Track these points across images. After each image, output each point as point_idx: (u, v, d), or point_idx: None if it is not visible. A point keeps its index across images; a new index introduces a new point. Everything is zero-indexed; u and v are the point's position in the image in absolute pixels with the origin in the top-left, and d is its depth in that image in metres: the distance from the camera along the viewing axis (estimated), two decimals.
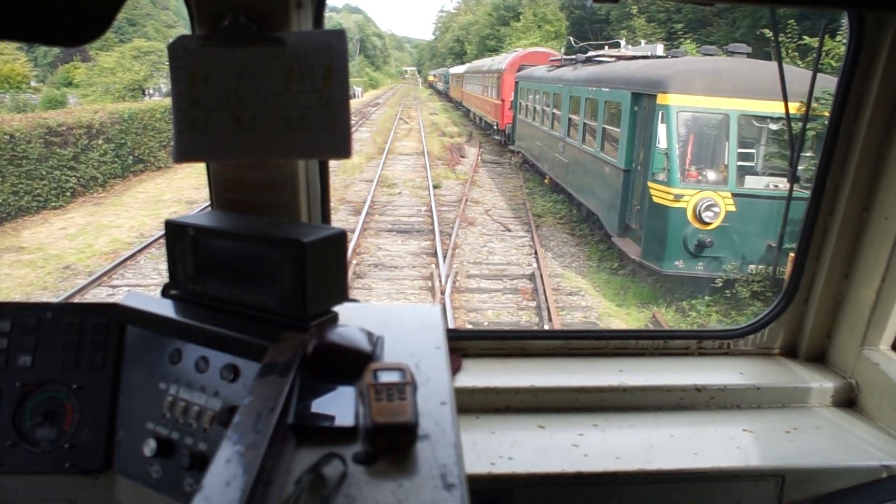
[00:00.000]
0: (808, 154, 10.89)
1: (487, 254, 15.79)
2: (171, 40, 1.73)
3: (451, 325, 11.05)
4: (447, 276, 13.53)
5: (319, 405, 1.25)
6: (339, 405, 1.24)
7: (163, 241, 16.29)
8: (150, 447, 1.47)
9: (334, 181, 23.10)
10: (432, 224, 17.66)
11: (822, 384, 2.54)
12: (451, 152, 31.73)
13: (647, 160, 13.55)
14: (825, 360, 2.70)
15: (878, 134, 2.36)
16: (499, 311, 12.41)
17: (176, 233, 1.58)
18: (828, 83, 2.53)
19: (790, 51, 18.20)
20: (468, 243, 16.57)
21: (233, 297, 1.52)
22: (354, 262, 14.55)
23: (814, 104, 9.72)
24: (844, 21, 2.37)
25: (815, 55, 12.35)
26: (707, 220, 12.69)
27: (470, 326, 11.29)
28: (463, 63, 69.79)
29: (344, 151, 1.74)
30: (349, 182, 23.57)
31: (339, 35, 1.72)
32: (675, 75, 13.25)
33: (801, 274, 2.64)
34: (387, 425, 1.14)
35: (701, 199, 12.68)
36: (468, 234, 17.44)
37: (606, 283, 14.25)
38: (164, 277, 1.68)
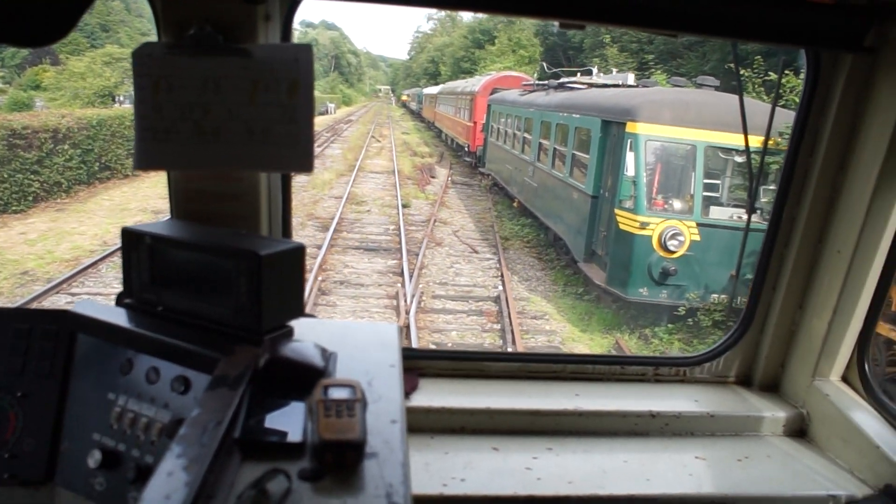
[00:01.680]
0: (771, 187, 11.10)
1: (454, 275, 15.80)
2: (135, 47, 1.72)
3: (414, 345, 11.02)
4: (413, 296, 13.50)
5: (268, 420, 1.24)
6: (289, 420, 1.23)
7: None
8: (94, 459, 1.44)
9: (303, 196, 23.01)
10: (400, 243, 17.64)
11: (774, 413, 2.57)
12: (421, 172, 31.79)
13: (615, 187, 13.70)
14: (778, 389, 2.74)
15: (833, 168, 2.42)
16: (463, 332, 12.40)
17: (133, 241, 1.56)
18: (791, 119, 2.59)
19: (756, 86, 18.62)
20: (435, 263, 16.57)
21: (187, 307, 1.50)
22: (320, 278, 14.46)
23: (777, 138, 9.94)
24: (803, 60, 2.43)
25: (775, 90, 12.62)
26: (672, 248, 12.84)
27: (433, 347, 11.26)
28: (437, 84, 70.18)
29: (306, 166, 1.74)
30: (318, 198, 23.48)
31: (306, 49, 1.72)
32: (645, 104, 13.44)
33: (756, 303, 2.68)
34: (334, 442, 1.13)
35: (666, 228, 12.84)
36: (435, 254, 17.44)
37: (571, 308, 14.33)
38: None
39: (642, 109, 13.26)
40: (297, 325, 1.51)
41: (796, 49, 2.31)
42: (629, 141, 13.15)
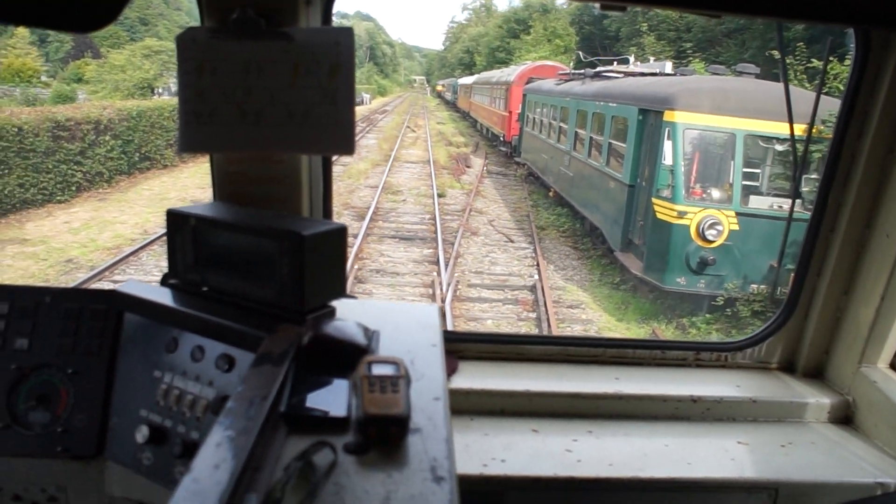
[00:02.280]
0: (812, 176, 10.90)
1: (489, 264, 15.79)
2: (179, 32, 1.74)
3: (450, 327, 11.07)
4: (448, 285, 13.53)
5: (313, 395, 1.25)
6: (332, 396, 1.25)
7: (166, 238, 16.23)
8: (142, 434, 1.47)
9: (339, 186, 23.15)
10: (435, 232, 17.67)
11: (818, 400, 2.53)
12: (456, 162, 31.78)
13: (652, 176, 13.56)
14: (822, 376, 2.69)
15: (882, 151, 2.36)
16: (499, 320, 12.40)
17: (177, 222, 1.58)
18: (834, 106, 2.54)
19: (798, 73, 18.25)
20: (470, 253, 16.57)
21: (231, 287, 1.52)
22: (356, 266, 14.56)
23: (819, 126, 9.74)
24: (852, 44, 2.37)
25: (821, 75, 12.38)
26: (710, 237, 12.68)
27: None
28: (472, 74, 70.01)
29: (347, 147, 1.74)
30: (354, 187, 23.61)
31: (347, 32, 1.73)
32: (683, 93, 13.27)
33: (800, 289, 2.64)
34: (378, 416, 1.14)
35: (705, 217, 12.68)
36: (471, 243, 17.44)
37: (607, 298, 14.24)
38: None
39: (680, 98, 13.09)
40: (339, 305, 1.52)
41: (844, 29, 2.26)
42: (667, 129, 13.00)
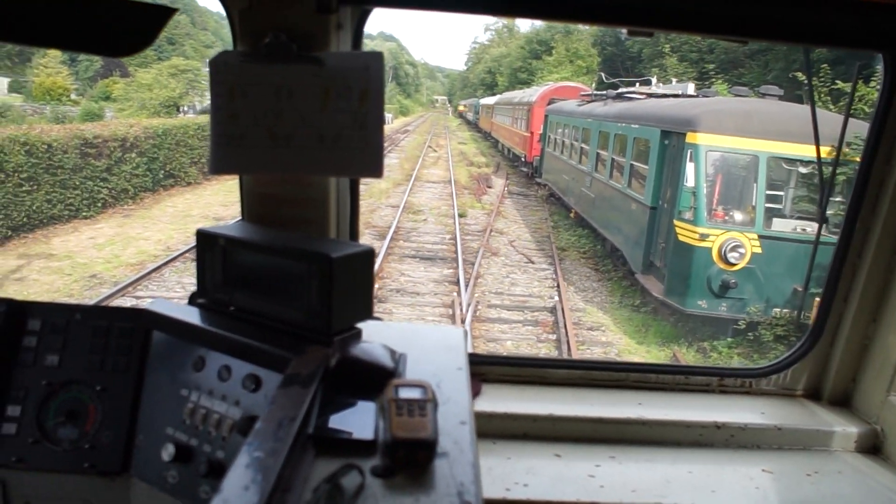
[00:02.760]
0: (837, 199, 10.81)
1: (509, 285, 15.76)
2: (212, 56, 1.78)
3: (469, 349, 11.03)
4: (468, 305, 13.51)
5: (340, 418, 1.26)
6: (360, 418, 1.25)
7: (188, 255, 16.51)
8: (168, 452, 1.48)
9: (361, 205, 23.18)
10: (456, 252, 17.68)
11: (845, 429, 2.49)
12: (477, 182, 31.84)
13: (674, 198, 13.50)
14: (850, 404, 2.66)
15: None
16: (518, 341, 12.35)
17: (206, 242, 1.60)
18: (860, 128, 2.52)
19: (823, 95, 18.13)
20: (491, 273, 16.56)
21: (259, 308, 1.53)
22: (377, 286, 14.58)
23: (845, 149, 9.68)
24: (879, 66, 2.36)
25: (847, 99, 12.30)
26: (732, 260, 12.59)
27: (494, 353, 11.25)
28: (493, 94, 70.29)
29: (375, 170, 1.76)
30: (375, 206, 23.71)
31: (377, 57, 1.75)
32: (706, 114, 13.23)
33: (827, 315, 2.61)
34: (406, 440, 1.14)
35: (727, 240, 12.59)
36: (491, 264, 17.43)
37: (628, 320, 14.15)
38: (188, 291, 1.70)
39: (703, 119, 13.05)
40: (365, 326, 1.53)
41: (872, 54, 2.25)
42: (689, 151, 12.96)
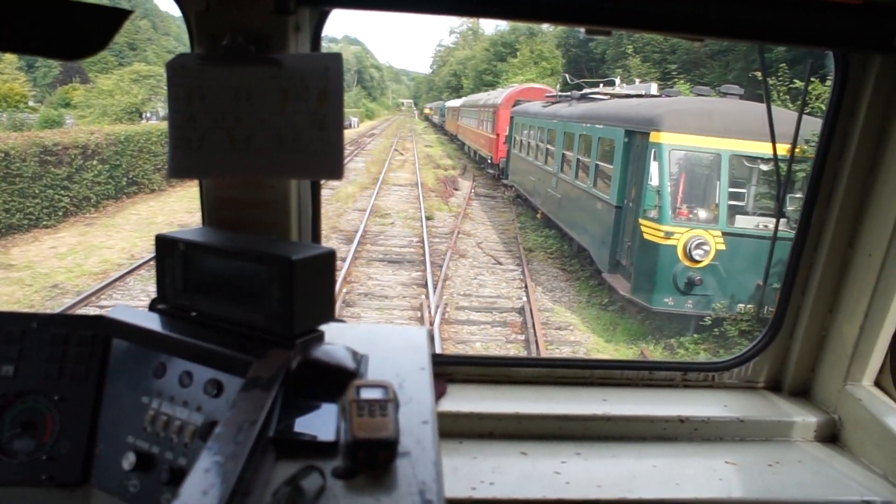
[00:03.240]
0: (797, 195, 11.01)
1: (478, 286, 15.80)
2: (170, 58, 1.76)
3: (438, 350, 11.05)
4: (437, 307, 13.52)
5: (301, 420, 1.25)
6: (321, 421, 1.25)
7: (153, 263, 16.17)
8: (129, 461, 1.46)
9: (327, 209, 23.14)
10: (424, 255, 17.69)
11: (805, 419, 2.54)
12: (444, 185, 31.88)
13: (639, 197, 13.65)
14: (809, 394, 2.71)
15: (862, 171, 2.40)
16: (487, 343, 12.39)
17: (166, 247, 1.59)
18: (818, 126, 2.57)
19: (781, 94, 18.46)
20: (459, 275, 16.59)
21: (220, 312, 1.52)
22: (345, 290, 14.53)
23: (804, 146, 9.87)
24: (831, 62, 2.42)
25: (802, 95, 12.55)
26: (697, 258, 12.75)
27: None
28: (459, 97, 70.45)
29: (335, 172, 1.76)
30: (342, 211, 23.62)
31: (336, 58, 1.74)
32: (669, 114, 13.39)
33: (786, 308, 2.66)
34: (367, 441, 1.14)
35: (691, 237, 12.75)
36: (459, 266, 17.46)
37: (596, 319, 14.26)
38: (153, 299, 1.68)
39: (666, 119, 13.21)
40: (328, 329, 1.53)
41: (824, 52, 2.30)
42: (653, 151, 13.11)
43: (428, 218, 22.92)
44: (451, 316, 13.63)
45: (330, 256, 1.51)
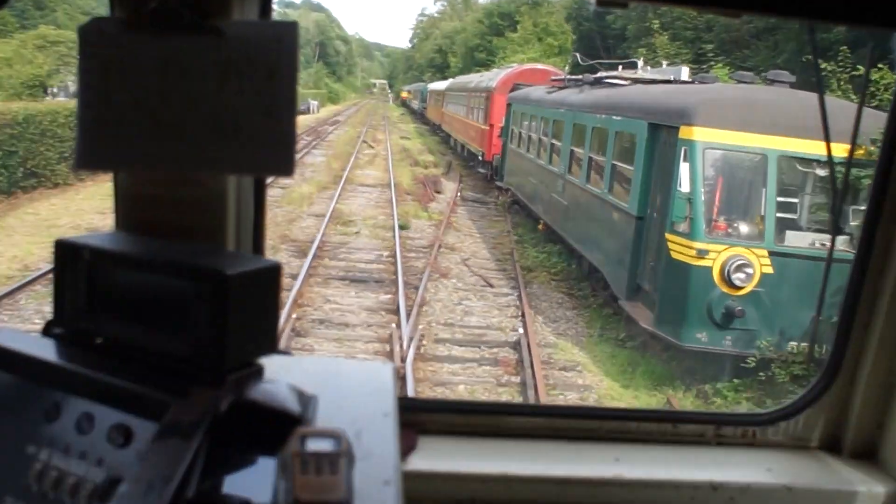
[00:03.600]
0: (862, 207, 11.10)
1: (462, 314, 15.84)
2: (83, 22, 1.75)
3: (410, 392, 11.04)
4: (410, 339, 13.51)
5: (231, 478, 1.25)
6: (256, 478, 1.24)
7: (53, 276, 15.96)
8: None
9: (275, 213, 23.12)
10: (396, 274, 17.70)
11: (870, 488, 2.54)
12: (424, 186, 31.96)
13: (666, 207, 13.72)
14: (875, 457, 2.70)
15: None
16: (473, 386, 12.39)
17: (68, 256, 1.57)
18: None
19: (842, 82, 18.67)
20: (439, 299, 16.61)
21: (132, 339, 1.51)
22: (294, 315, 14.50)
23: (870, 147, 9.97)
24: None
25: (863, 86, 12.67)
26: (738, 283, 12.81)
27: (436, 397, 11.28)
28: (445, 78, 70.84)
29: (285, 167, 1.75)
30: (295, 216, 23.61)
31: (291, 28, 1.74)
32: (703, 104, 13.51)
33: (845, 348, 2.64)
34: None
35: (731, 257, 12.81)
36: (440, 287, 17.49)
37: (611, 358, 14.30)
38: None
39: (700, 110, 13.32)
40: (269, 363, 1.52)
41: (885, 31, 2.31)
42: (683, 149, 13.20)
43: (402, 227, 22.96)
44: (429, 351, 13.63)
45: (274, 271, 1.51)
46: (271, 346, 1.52)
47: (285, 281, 16.02)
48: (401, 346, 13.24)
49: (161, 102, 1.74)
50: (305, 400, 1.44)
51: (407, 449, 2.40)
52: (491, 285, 18.10)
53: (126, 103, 1.74)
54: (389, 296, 16.39)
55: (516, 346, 14.12)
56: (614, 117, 16.81)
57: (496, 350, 14.00)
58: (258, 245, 2.14)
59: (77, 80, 1.76)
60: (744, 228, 13.21)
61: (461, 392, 12.16)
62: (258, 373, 1.49)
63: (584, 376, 13.27)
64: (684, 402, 12.55)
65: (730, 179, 13.34)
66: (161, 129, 1.74)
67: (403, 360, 12.55)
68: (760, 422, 2.76)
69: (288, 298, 14.94)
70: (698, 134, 13.11)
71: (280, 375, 1.52)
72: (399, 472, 1.34)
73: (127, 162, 1.79)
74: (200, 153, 1.75)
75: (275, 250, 18.96)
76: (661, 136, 14.40)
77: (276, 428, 1.34)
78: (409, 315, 14.83)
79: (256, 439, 1.33)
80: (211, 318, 1.41)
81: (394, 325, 14.45)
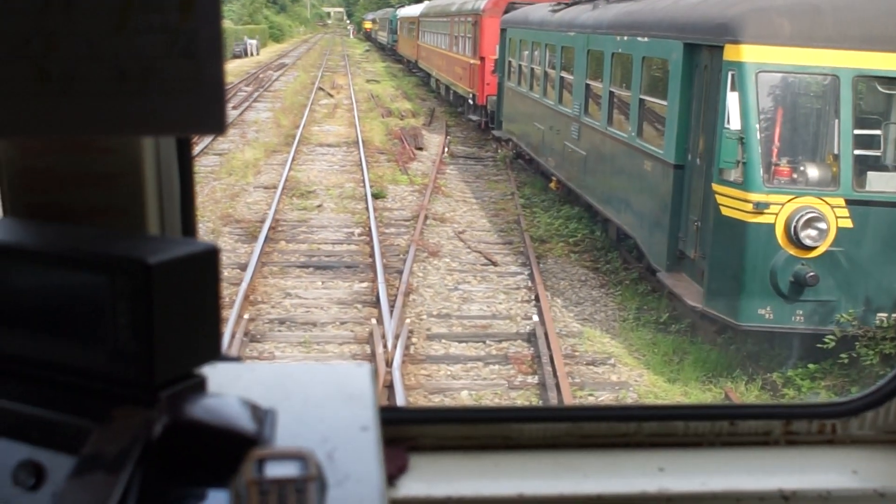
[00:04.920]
0: None
1: (460, 301, 15.88)
2: None
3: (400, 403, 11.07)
4: (396, 338, 13.52)
5: None
6: None
7: None
8: None
9: (213, 187, 23.09)
10: (373, 255, 17.71)
11: None
12: (401, 142, 31.92)
13: (712, 150, 13.68)
14: None
15: None
16: (480, 391, 12.42)
17: None
18: None
19: None
20: (429, 285, 16.65)
21: (34, 353, 1.51)
22: (246, 316, 14.49)
23: None
24: None
25: None
26: (808, 242, 12.76)
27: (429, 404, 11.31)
28: (419, 1, 70.49)
29: (213, 122, 1.75)
30: (238, 189, 23.56)
31: None
32: (753, 13, 13.40)
33: None
34: None
35: (798, 210, 12.76)
36: (429, 270, 17.52)
37: (651, 346, 14.33)
38: None
39: (749, 22, 13.24)
40: (213, 372, 1.52)
41: None
42: (730, 74, 13.14)
43: (376, 196, 22.94)
44: (420, 350, 13.66)
45: (210, 256, 1.50)
46: (213, 352, 1.51)
47: (233, 273, 16.08)
48: (384, 346, 13.26)
49: (46, 48, 1.73)
50: (261, 415, 1.45)
51: (395, 471, 2.41)
52: (494, 263, 18.12)
53: (0, 52, 1.74)
54: (366, 284, 16.44)
55: (531, 337, 14.19)
56: (640, 38, 16.73)
57: (506, 344, 14.06)
58: (188, 225, 2.14)
59: None
60: (813, 172, 13.13)
61: (465, 400, 12.19)
62: (199, 385, 1.49)
63: (619, 371, 13.32)
64: (747, 396, 12.59)
65: (792, 110, 13.29)
66: (48, 83, 1.73)
67: (389, 363, 12.56)
68: (841, 413, 2.77)
69: (237, 294, 14.93)
70: (749, 53, 13.02)
71: (227, 387, 1.53)
72: (385, 500, 1.35)
73: (7, 128, 1.78)
74: (102, 111, 1.74)
75: (215, 234, 18.95)
76: (702, 60, 14.35)
77: (225, 452, 1.35)
78: (392, 307, 14.85)
79: (202, 468, 1.34)
80: (132, 320, 1.41)
81: (374, 321, 14.46)
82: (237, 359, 1.85)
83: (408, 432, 2.54)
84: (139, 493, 1.27)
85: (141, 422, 1.35)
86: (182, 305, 1.46)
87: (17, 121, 1.74)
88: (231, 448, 1.36)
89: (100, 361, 1.45)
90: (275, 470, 1.26)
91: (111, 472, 1.25)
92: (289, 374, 1.75)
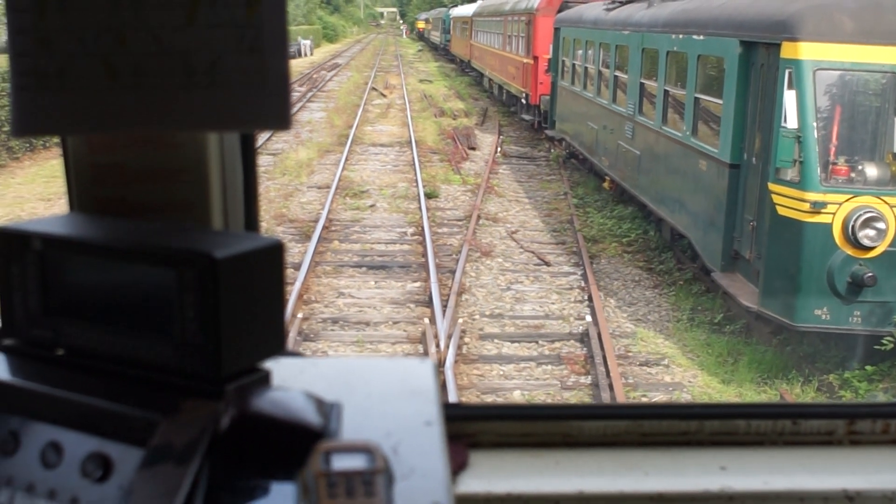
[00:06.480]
0: None
1: (513, 301, 15.87)
2: None
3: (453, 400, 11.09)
4: (449, 338, 13.53)
5: None
6: None
7: None
8: None
9: (267, 187, 23.22)
10: (425, 255, 17.75)
11: None
12: (454, 141, 31.93)
13: (768, 149, 13.59)
14: None
15: None
16: (532, 391, 12.41)
17: (12, 247, 1.58)
18: None
19: None
20: (482, 285, 16.64)
21: (103, 347, 1.52)
22: (300, 315, 14.58)
23: None
24: None
25: None
26: (866, 242, 12.66)
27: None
28: (472, 1, 70.52)
29: (279, 118, 1.76)
30: (292, 189, 23.68)
31: None
32: (812, 10, 13.28)
33: None
34: None
35: (856, 210, 12.67)
36: (482, 270, 17.52)
37: (705, 347, 14.25)
38: None
39: (807, 19, 13.12)
40: (277, 367, 1.52)
41: None
42: (788, 72, 13.04)
43: (429, 196, 22.97)
44: (472, 350, 13.67)
45: (275, 251, 1.50)
46: (278, 346, 1.51)
47: (286, 272, 16.14)
48: (437, 346, 13.29)
49: (115, 44, 1.75)
50: (326, 409, 1.45)
51: (457, 467, 2.41)
52: (547, 263, 18.09)
53: (70, 48, 1.75)
54: (419, 284, 16.47)
55: (584, 338, 14.14)
56: (695, 37, 16.63)
57: (558, 345, 14.02)
58: (251, 220, 2.15)
59: (7, 26, 1.78)
60: (871, 172, 13.02)
61: (516, 399, 12.19)
62: (264, 379, 1.49)
63: (673, 372, 13.25)
64: (803, 398, 12.50)
65: (851, 109, 13.16)
66: (118, 78, 1.75)
67: (442, 363, 12.58)
68: None
69: (291, 293, 15.01)
70: (807, 51, 12.91)
71: (291, 381, 1.53)
72: (451, 494, 1.35)
73: (77, 124, 1.79)
74: (170, 107, 1.75)
75: (269, 234, 18.98)
76: (758, 57, 14.24)
77: (292, 445, 1.35)
78: (444, 307, 14.87)
79: (268, 460, 1.34)
80: (199, 313, 1.41)
81: (426, 321, 14.51)
82: (300, 354, 1.84)
83: (467, 429, 2.54)
84: (207, 485, 1.28)
85: (208, 414, 1.36)
86: (248, 300, 1.46)
87: (86, 117, 1.76)
88: (297, 441, 1.36)
89: (167, 354, 1.45)
90: (342, 462, 1.25)
91: (180, 463, 1.25)
92: (352, 369, 1.76)
